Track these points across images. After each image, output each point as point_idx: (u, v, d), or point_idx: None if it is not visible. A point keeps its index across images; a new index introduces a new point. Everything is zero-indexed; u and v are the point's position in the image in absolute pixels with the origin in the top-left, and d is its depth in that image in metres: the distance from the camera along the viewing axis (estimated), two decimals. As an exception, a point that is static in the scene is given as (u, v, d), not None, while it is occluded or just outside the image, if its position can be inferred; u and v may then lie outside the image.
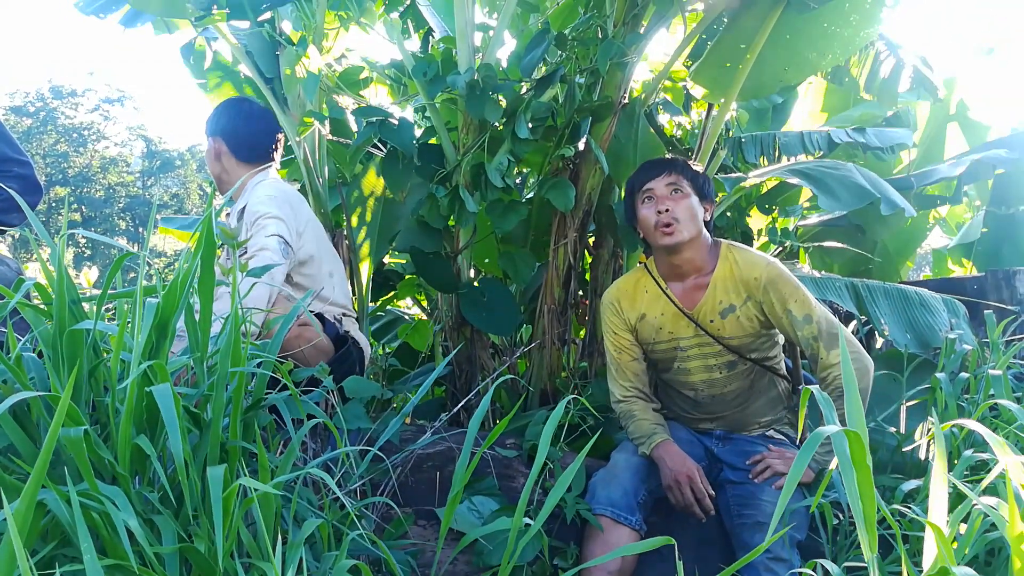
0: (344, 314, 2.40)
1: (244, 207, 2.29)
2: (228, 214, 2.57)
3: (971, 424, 1.05)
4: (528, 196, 3.34)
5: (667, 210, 2.07)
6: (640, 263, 2.28)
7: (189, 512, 1.19)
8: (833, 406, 1.06)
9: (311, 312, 2.25)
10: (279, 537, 1.18)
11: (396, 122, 2.62)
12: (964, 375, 2.32)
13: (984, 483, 1.12)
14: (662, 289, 2.17)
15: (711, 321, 2.11)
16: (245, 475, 1.24)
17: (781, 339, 2.23)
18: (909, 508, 1.57)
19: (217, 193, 2.63)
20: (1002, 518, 0.97)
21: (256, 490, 1.19)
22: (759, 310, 2.08)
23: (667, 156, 2.33)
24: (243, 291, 1.62)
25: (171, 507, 1.20)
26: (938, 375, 2.26)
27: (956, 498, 1.44)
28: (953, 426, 1.92)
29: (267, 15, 2.68)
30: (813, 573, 1.19)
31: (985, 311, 2.61)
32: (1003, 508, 0.99)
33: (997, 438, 0.97)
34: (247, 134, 2.44)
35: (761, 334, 2.12)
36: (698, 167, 2.20)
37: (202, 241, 1.29)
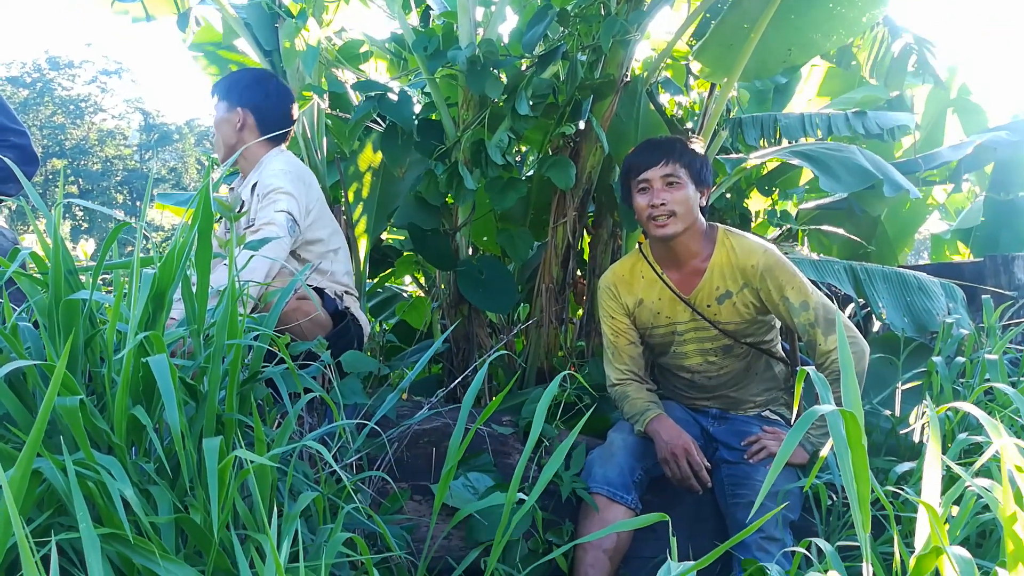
0: (347, 292, 2.39)
1: (255, 183, 2.26)
2: (232, 188, 2.54)
3: (966, 406, 1.05)
4: (528, 174, 3.32)
5: (662, 203, 2.04)
6: (638, 244, 2.27)
7: (185, 483, 1.19)
8: (829, 387, 1.06)
9: (311, 286, 2.25)
10: (275, 509, 1.19)
11: (396, 97, 2.60)
12: (960, 359, 2.33)
13: (977, 464, 1.12)
14: (658, 274, 2.17)
15: (708, 306, 2.12)
16: (241, 447, 1.25)
17: (778, 323, 2.23)
18: (903, 490, 1.57)
19: (215, 167, 2.61)
20: (995, 499, 0.97)
21: (252, 462, 1.19)
22: (755, 297, 2.09)
23: (666, 137, 2.26)
24: (241, 263, 1.62)
25: (167, 478, 1.21)
26: (934, 359, 2.26)
27: (949, 481, 1.45)
28: (948, 409, 1.92)
29: (267, -14, 2.65)
30: (806, 552, 1.20)
31: (983, 296, 2.61)
32: (996, 489, 0.99)
33: (991, 420, 0.98)
34: (278, 112, 2.38)
35: (757, 320, 2.13)
36: (698, 145, 2.18)
37: (199, 212, 1.29)
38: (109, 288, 1.49)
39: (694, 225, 2.10)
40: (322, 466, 1.58)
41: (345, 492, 1.54)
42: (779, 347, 2.27)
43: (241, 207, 2.28)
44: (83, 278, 1.30)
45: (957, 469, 0.99)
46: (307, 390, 1.53)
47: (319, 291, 2.27)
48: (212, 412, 1.27)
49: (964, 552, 0.88)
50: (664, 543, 1.68)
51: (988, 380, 2.10)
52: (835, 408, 0.97)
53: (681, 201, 2.05)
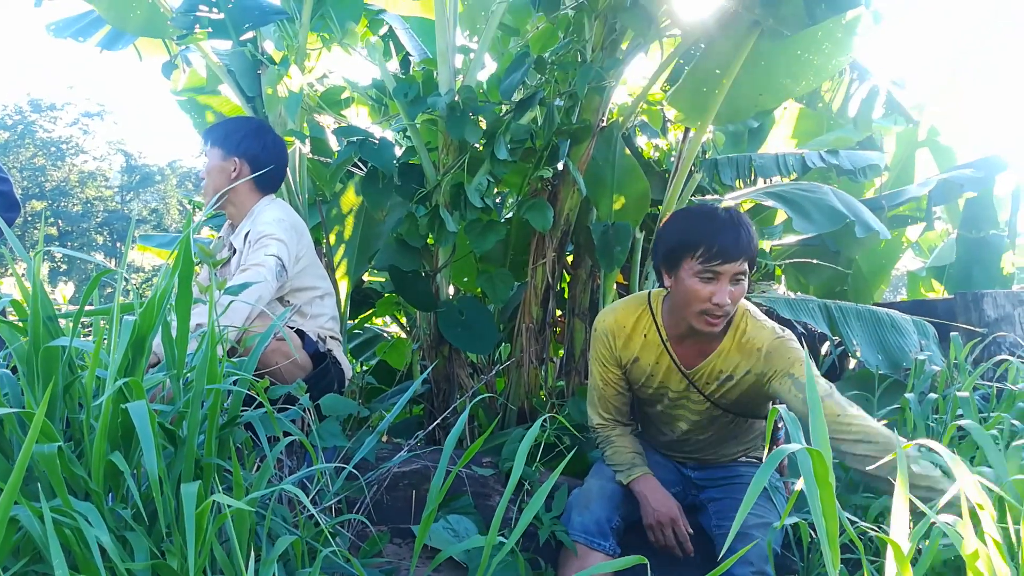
0: (331, 336, 2.39)
1: (248, 231, 2.28)
2: (220, 237, 2.55)
3: (931, 444, 1.08)
4: (507, 216, 3.37)
5: (726, 304, 1.85)
6: (646, 301, 2.10)
7: (162, 529, 1.19)
8: (800, 426, 1.09)
9: (293, 328, 2.26)
10: (252, 554, 1.19)
11: (377, 142, 2.64)
12: (933, 395, 2.36)
13: (942, 501, 1.15)
14: (662, 340, 2.05)
15: (707, 383, 2.04)
16: (220, 491, 1.25)
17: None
18: (880, 527, 1.59)
19: (197, 210, 2.62)
20: (957, 534, 1.00)
21: (230, 507, 1.19)
22: (757, 379, 1.97)
23: (742, 217, 1.92)
24: (223, 305, 1.63)
25: (144, 524, 1.21)
26: (907, 396, 2.29)
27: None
28: (920, 447, 1.95)
29: (250, 35, 2.70)
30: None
31: (952, 333, 2.66)
32: (960, 525, 1.01)
33: (954, 456, 1.00)
34: (274, 164, 2.39)
35: (753, 396, 2.04)
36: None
37: (180, 259, 1.30)
38: (89, 331, 1.50)
39: None
40: (300, 510, 1.58)
41: (323, 536, 1.53)
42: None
43: (232, 256, 2.30)
44: (63, 324, 1.31)
45: (922, 507, 1.02)
46: (287, 433, 1.54)
47: (300, 333, 2.28)
48: (191, 457, 1.27)
49: (928, 587, 0.90)
50: (644, 583, 1.68)
51: (961, 416, 2.14)
52: (802, 447, 1.00)
53: (738, 298, 1.89)
